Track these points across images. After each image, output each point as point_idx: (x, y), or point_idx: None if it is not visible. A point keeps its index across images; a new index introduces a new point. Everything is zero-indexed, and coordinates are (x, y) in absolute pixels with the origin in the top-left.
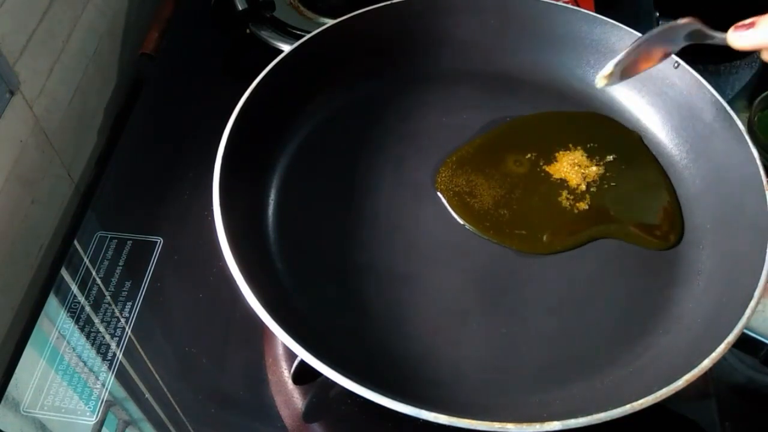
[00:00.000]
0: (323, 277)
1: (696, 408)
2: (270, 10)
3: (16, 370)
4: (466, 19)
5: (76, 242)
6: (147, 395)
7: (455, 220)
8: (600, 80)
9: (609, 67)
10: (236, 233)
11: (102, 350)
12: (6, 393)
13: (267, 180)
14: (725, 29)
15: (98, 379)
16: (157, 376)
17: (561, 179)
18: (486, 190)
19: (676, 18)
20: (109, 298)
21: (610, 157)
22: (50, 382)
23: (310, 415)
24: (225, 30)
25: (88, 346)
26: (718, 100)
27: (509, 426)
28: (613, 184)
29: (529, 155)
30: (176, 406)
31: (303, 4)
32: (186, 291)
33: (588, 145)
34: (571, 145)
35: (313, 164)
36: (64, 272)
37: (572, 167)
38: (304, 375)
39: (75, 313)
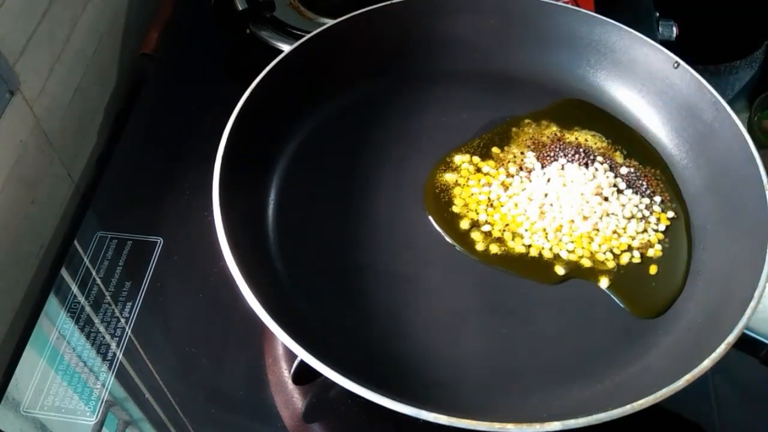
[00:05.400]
0: (323, 277)
1: (696, 408)
2: (270, 10)
3: (16, 370)
4: (466, 19)
5: (76, 242)
6: (147, 395)
7: None
8: None
9: None
10: (236, 233)
11: (102, 350)
12: (6, 393)
13: (267, 180)
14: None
15: (98, 379)
16: (157, 376)
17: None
18: (484, 191)
19: (676, 18)
20: (109, 298)
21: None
22: (50, 382)
23: (310, 415)
24: (225, 30)
25: (88, 346)
26: (718, 100)
27: (509, 426)
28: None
29: (528, 156)
30: (176, 406)
31: (303, 4)
32: (186, 291)
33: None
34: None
35: (313, 164)
36: (64, 272)
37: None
38: (304, 375)
39: (75, 313)
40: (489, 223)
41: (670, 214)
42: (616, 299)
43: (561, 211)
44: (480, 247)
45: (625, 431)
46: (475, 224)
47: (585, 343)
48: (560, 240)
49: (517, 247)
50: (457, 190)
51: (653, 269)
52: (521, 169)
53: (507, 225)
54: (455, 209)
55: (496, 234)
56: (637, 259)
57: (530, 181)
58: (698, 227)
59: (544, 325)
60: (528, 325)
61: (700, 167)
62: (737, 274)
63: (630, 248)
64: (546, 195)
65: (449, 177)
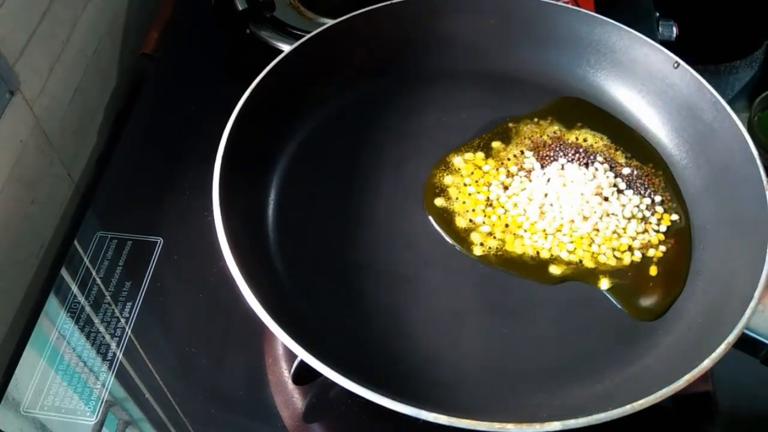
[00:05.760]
0: (323, 277)
1: (696, 408)
2: (270, 10)
3: (16, 370)
4: (466, 19)
5: (76, 242)
6: (147, 395)
7: None
8: None
9: None
10: (236, 233)
11: (102, 350)
12: (6, 393)
13: (267, 180)
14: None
15: (98, 379)
16: (157, 376)
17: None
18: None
19: (676, 18)
20: (109, 298)
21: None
22: (50, 382)
23: (310, 415)
24: (225, 30)
25: (88, 346)
26: (718, 100)
27: (509, 426)
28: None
29: (528, 156)
30: (176, 406)
31: (303, 4)
32: (186, 291)
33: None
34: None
35: (313, 164)
36: (64, 272)
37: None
38: (304, 375)
39: (75, 313)
40: (488, 224)
41: (673, 216)
42: (615, 302)
43: (561, 211)
44: (479, 249)
45: (625, 431)
46: (474, 225)
47: (585, 342)
48: (560, 240)
49: (517, 247)
50: (456, 190)
51: (653, 270)
52: (521, 169)
53: (507, 226)
54: (455, 209)
55: (495, 234)
56: (637, 259)
57: (530, 181)
58: (698, 227)
59: (544, 325)
60: (528, 325)
61: (700, 167)
62: (737, 274)
63: (630, 248)
64: (546, 195)
65: (449, 177)
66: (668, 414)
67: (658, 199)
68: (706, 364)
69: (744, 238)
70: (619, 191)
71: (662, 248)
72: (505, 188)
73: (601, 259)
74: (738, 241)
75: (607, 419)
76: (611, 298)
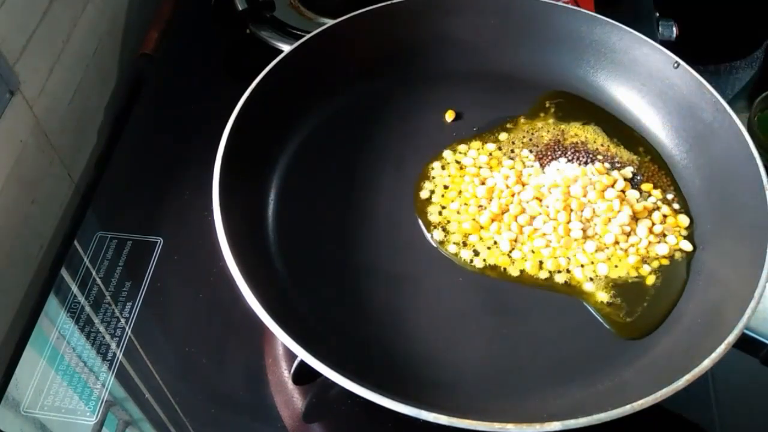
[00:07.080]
0: (323, 277)
1: (696, 408)
2: (270, 10)
3: (16, 370)
4: (466, 19)
5: (76, 242)
6: (147, 395)
7: None
8: None
9: None
10: (236, 233)
11: (102, 350)
12: (6, 393)
13: (267, 180)
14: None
15: (98, 379)
16: (157, 376)
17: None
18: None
19: (676, 18)
20: (109, 298)
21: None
22: (50, 382)
23: (310, 415)
24: (225, 30)
25: (88, 346)
26: (718, 100)
27: (509, 426)
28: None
29: (528, 156)
30: (176, 406)
31: (303, 4)
32: (186, 291)
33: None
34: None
35: (313, 164)
36: (64, 272)
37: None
38: (304, 375)
39: (75, 313)
40: (485, 227)
41: (674, 217)
42: (605, 323)
43: (559, 212)
44: (474, 258)
45: (625, 431)
46: (471, 227)
47: (585, 343)
48: (559, 243)
49: (514, 253)
50: (453, 191)
51: (650, 274)
52: (519, 169)
53: (504, 227)
54: (448, 212)
55: (489, 240)
56: (638, 261)
57: (529, 181)
58: (698, 227)
59: (543, 325)
60: (527, 326)
61: (700, 167)
62: (737, 274)
63: (630, 249)
64: (545, 196)
65: (445, 178)
66: (668, 414)
67: (658, 199)
68: (706, 364)
69: (744, 238)
70: (620, 191)
71: (661, 246)
72: (504, 189)
73: (600, 261)
74: (738, 241)
75: (607, 419)
76: (603, 321)
